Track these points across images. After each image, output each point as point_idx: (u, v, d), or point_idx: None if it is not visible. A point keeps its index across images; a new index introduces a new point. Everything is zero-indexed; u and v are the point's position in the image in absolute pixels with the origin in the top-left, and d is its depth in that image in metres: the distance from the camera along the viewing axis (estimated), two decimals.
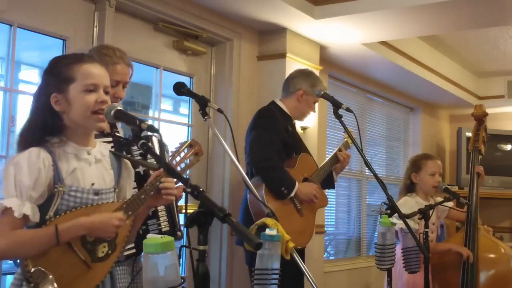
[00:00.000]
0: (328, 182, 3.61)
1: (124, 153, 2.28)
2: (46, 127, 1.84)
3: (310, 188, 3.36)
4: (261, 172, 3.28)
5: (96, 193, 1.87)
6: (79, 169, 1.85)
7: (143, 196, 1.90)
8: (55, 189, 1.79)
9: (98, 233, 1.81)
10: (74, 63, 1.87)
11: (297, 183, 3.29)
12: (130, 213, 1.88)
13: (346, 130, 3.13)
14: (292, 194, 3.27)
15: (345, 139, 3.59)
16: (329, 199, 5.73)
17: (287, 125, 3.47)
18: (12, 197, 1.74)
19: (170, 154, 2.07)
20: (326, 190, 3.77)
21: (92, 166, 1.89)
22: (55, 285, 1.69)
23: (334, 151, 3.58)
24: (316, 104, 3.67)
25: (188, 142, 2.05)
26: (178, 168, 2.03)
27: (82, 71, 1.85)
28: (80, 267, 1.79)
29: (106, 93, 1.88)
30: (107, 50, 2.47)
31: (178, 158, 2.03)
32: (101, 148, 1.96)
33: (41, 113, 1.85)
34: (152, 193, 1.90)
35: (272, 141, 3.30)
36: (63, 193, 1.80)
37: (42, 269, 1.70)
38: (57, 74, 1.86)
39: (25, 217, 1.74)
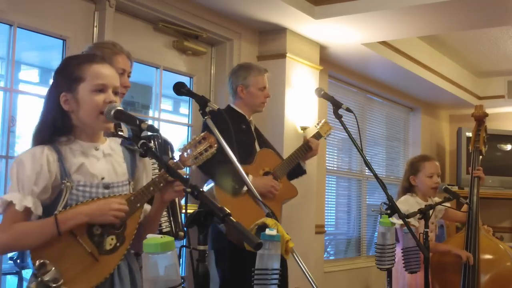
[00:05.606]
0: (296, 171, 3.60)
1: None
2: (55, 126, 1.85)
3: (265, 181, 3.36)
4: (207, 174, 3.31)
5: (106, 186, 1.87)
6: (86, 164, 1.85)
7: (151, 188, 1.88)
8: (63, 185, 1.80)
9: (98, 219, 1.79)
10: (85, 63, 1.87)
11: (250, 177, 3.25)
12: (138, 205, 1.87)
13: (344, 127, 3.11)
14: (245, 189, 3.23)
15: (318, 130, 3.62)
16: (329, 199, 5.85)
17: (240, 124, 3.46)
18: (13, 192, 1.76)
19: (181, 147, 2.06)
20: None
21: (101, 161, 1.89)
22: (59, 277, 1.69)
23: (303, 142, 3.60)
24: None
25: (202, 134, 2.04)
26: (190, 161, 2.01)
27: (92, 71, 1.85)
28: (87, 259, 1.79)
29: (115, 94, 1.88)
30: (105, 44, 2.56)
31: (189, 151, 2.01)
32: (111, 143, 1.96)
33: (51, 112, 1.86)
34: (161, 185, 1.88)
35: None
36: (71, 188, 1.81)
37: (46, 262, 1.70)
38: (67, 74, 1.87)
39: (26, 210, 1.75)
